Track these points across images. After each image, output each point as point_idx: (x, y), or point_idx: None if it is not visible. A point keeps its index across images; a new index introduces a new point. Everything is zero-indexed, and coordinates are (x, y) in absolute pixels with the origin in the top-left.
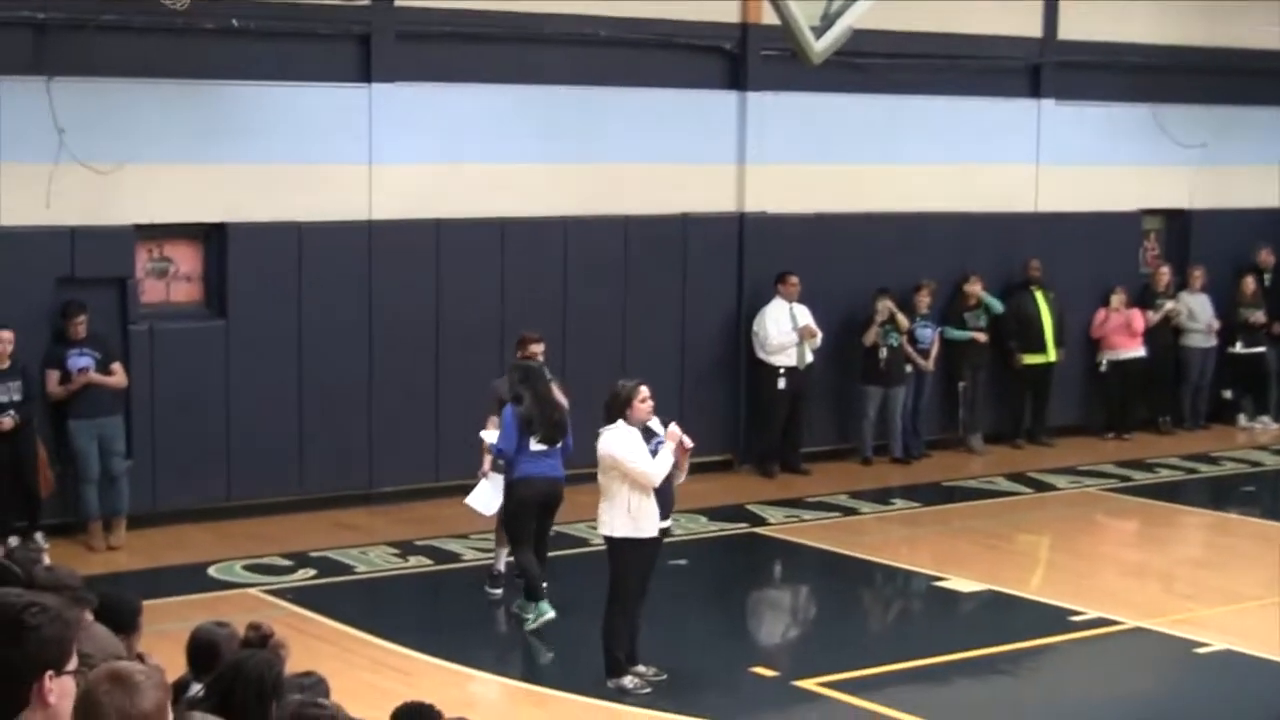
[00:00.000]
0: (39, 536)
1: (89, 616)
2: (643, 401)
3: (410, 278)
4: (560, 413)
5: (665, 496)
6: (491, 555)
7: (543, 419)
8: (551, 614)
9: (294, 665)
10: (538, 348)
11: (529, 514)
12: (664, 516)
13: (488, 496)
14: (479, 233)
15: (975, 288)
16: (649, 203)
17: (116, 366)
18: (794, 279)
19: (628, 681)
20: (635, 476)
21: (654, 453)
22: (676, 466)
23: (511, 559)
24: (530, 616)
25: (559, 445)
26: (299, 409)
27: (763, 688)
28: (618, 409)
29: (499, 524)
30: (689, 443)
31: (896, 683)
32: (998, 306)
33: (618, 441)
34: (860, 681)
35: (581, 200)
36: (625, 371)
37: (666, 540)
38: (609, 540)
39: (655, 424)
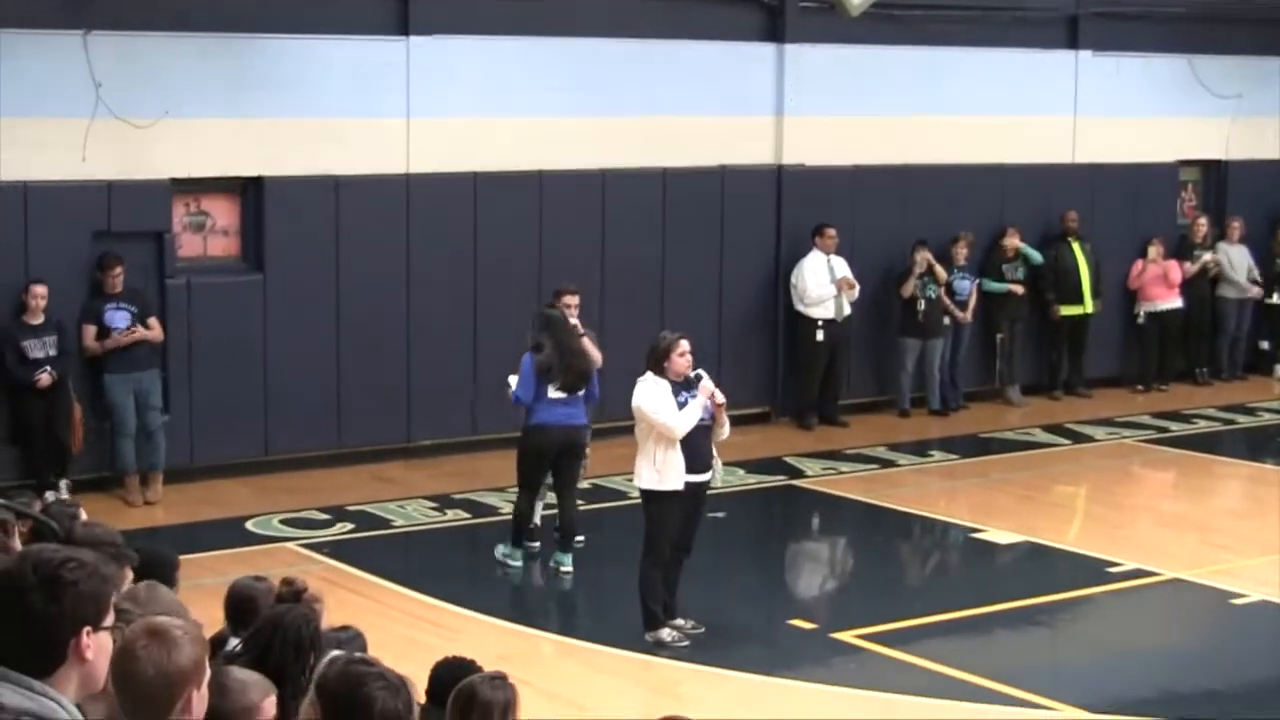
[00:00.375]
0: (64, 486)
1: (129, 574)
2: (681, 355)
3: (448, 231)
4: (581, 360)
5: (698, 450)
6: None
7: (562, 366)
8: (519, 564)
9: (331, 620)
10: (571, 299)
11: (543, 461)
12: (699, 470)
13: None
14: (517, 186)
15: (1013, 240)
16: (687, 155)
17: (153, 321)
18: (831, 231)
19: (665, 634)
20: (659, 429)
21: (683, 406)
22: (715, 422)
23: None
24: (502, 553)
25: (580, 394)
26: (336, 363)
27: (801, 640)
28: (655, 360)
29: None
30: (720, 397)
31: (934, 635)
32: (1037, 257)
33: (645, 393)
34: (898, 634)
35: (619, 153)
36: (663, 324)
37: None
38: (641, 492)
39: (705, 380)
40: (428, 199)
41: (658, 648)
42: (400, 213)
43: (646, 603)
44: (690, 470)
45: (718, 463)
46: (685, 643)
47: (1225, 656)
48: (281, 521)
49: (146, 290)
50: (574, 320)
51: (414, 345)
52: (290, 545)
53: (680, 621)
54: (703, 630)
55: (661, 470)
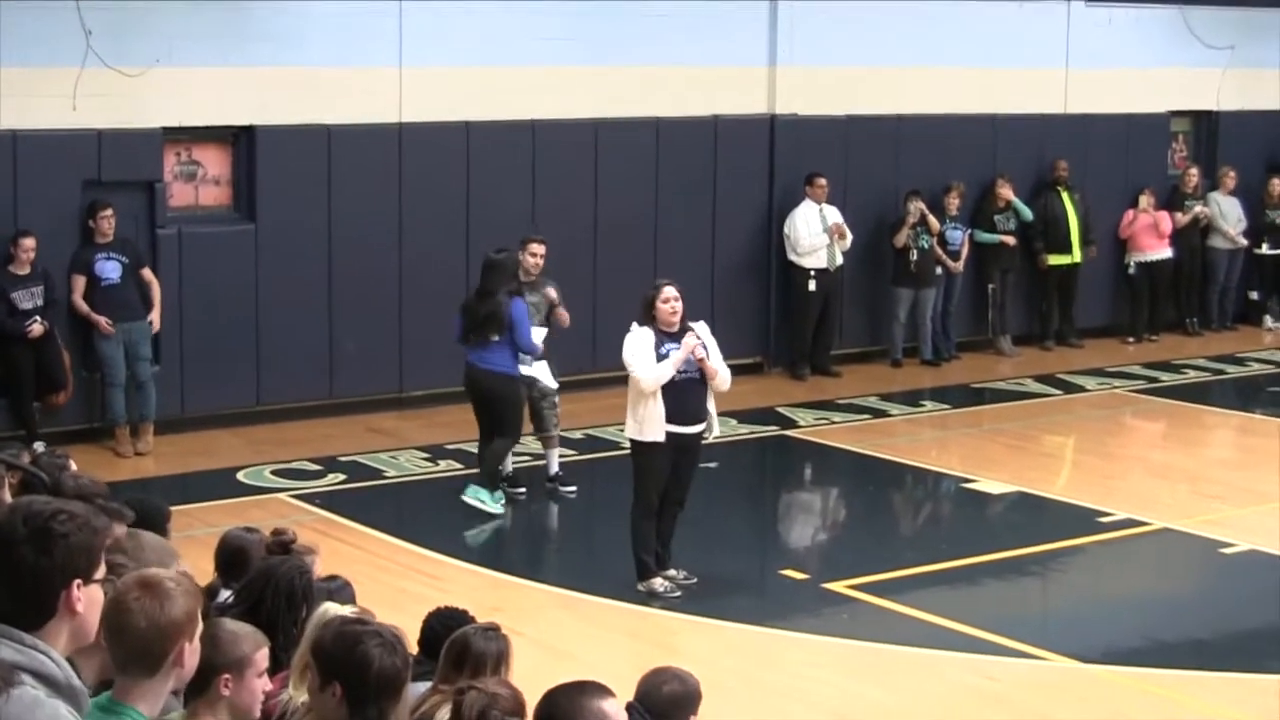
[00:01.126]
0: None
1: (123, 530)
2: (665, 303)
3: (440, 181)
4: (484, 307)
5: (685, 402)
6: (517, 459)
7: (465, 311)
8: (501, 509)
9: (324, 570)
10: (538, 248)
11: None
12: (686, 423)
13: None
14: (510, 135)
15: (1005, 190)
16: (680, 105)
17: (147, 273)
18: (822, 180)
19: (658, 584)
20: (632, 380)
21: (663, 357)
22: (706, 375)
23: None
24: (483, 498)
25: (492, 339)
26: (328, 313)
27: (793, 590)
28: (644, 310)
29: None
30: (700, 353)
31: (926, 585)
32: (1027, 213)
33: (628, 343)
34: (890, 584)
35: (612, 102)
36: (655, 274)
37: None
38: (630, 442)
39: (704, 332)
40: (420, 149)
41: (650, 598)
42: (393, 162)
43: (638, 553)
44: (675, 422)
45: (713, 416)
46: (677, 594)
47: (1215, 605)
48: (273, 473)
49: (137, 240)
50: (534, 274)
51: (406, 296)
52: (282, 496)
53: (673, 572)
54: (695, 581)
55: (642, 421)
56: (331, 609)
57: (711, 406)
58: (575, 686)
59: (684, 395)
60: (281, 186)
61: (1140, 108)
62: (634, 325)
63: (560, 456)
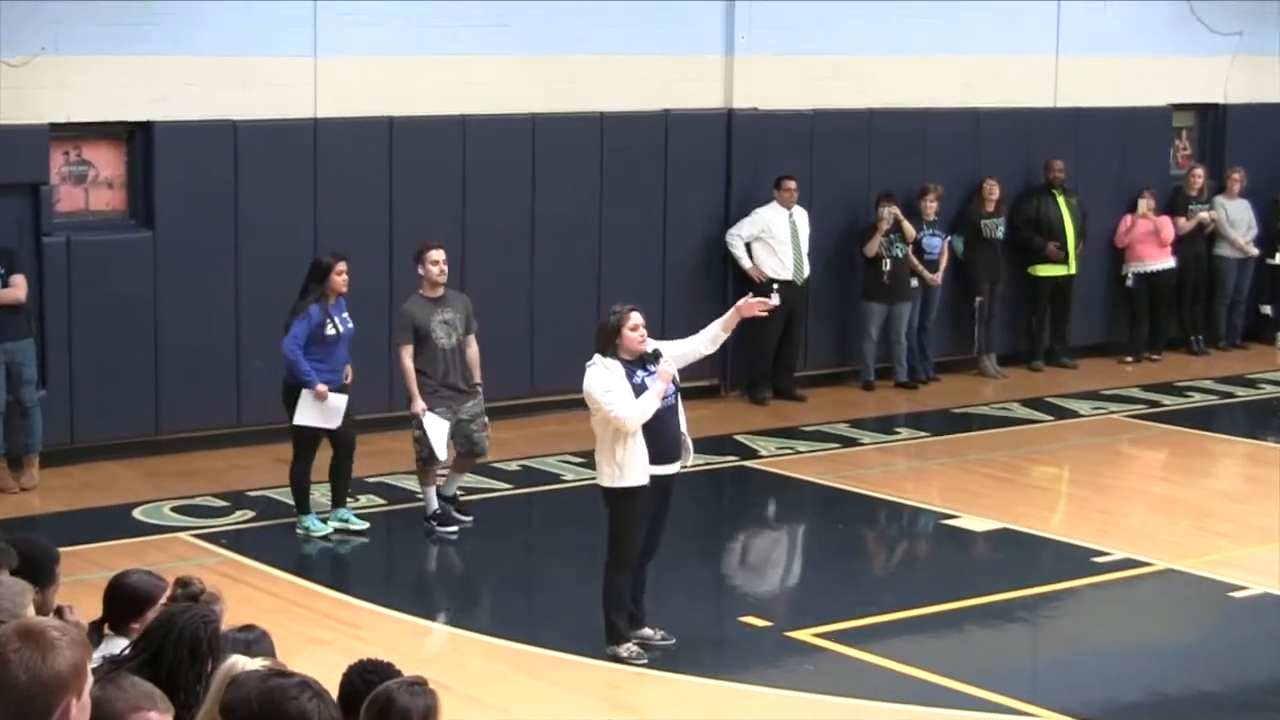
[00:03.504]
0: None
1: (5, 574)
2: (633, 330)
3: (360, 183)
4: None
5: (664, 436)
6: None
7: None
8: (317, 526)
9: (232, 620)
10: (438, 254)
11: None
12: (668, 460)
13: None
14: (437, 132)
15: (994, 193)
16: (626, 98)
17: (17, 279)
18: (792, 184)
19: (623, 651)
20: (613, 421)
21: (639, 389)
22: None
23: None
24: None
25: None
26: (235, 330)
27: (753, 639)
28: (605, 339)
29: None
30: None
31: (901, 632)
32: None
33: (594, 379)
34: (861, 631)
35: (551, 96)
36: (599, 287)
37: None
38: (602, 492)
39: (665, 360)
40: (337, 147)
41: (615, 662)
42: (307, 162)
43: (610, 614)
44: (657, 461)
45: (688, 440)
46: (644, 660)
47: (1223, 655)
48: (174, 509)
49: (19, 249)
50: (441, 283)
51: None
52: (183, 536)
53: (648, 632)
54: (673, 641)
55: (623, 465)
56: (240, 663)
57: (684, 428)
58: None
59: (663, 428)
60: (182, 189)
61: (1139, 100)
62: (596, 357)
63: (494, 492)
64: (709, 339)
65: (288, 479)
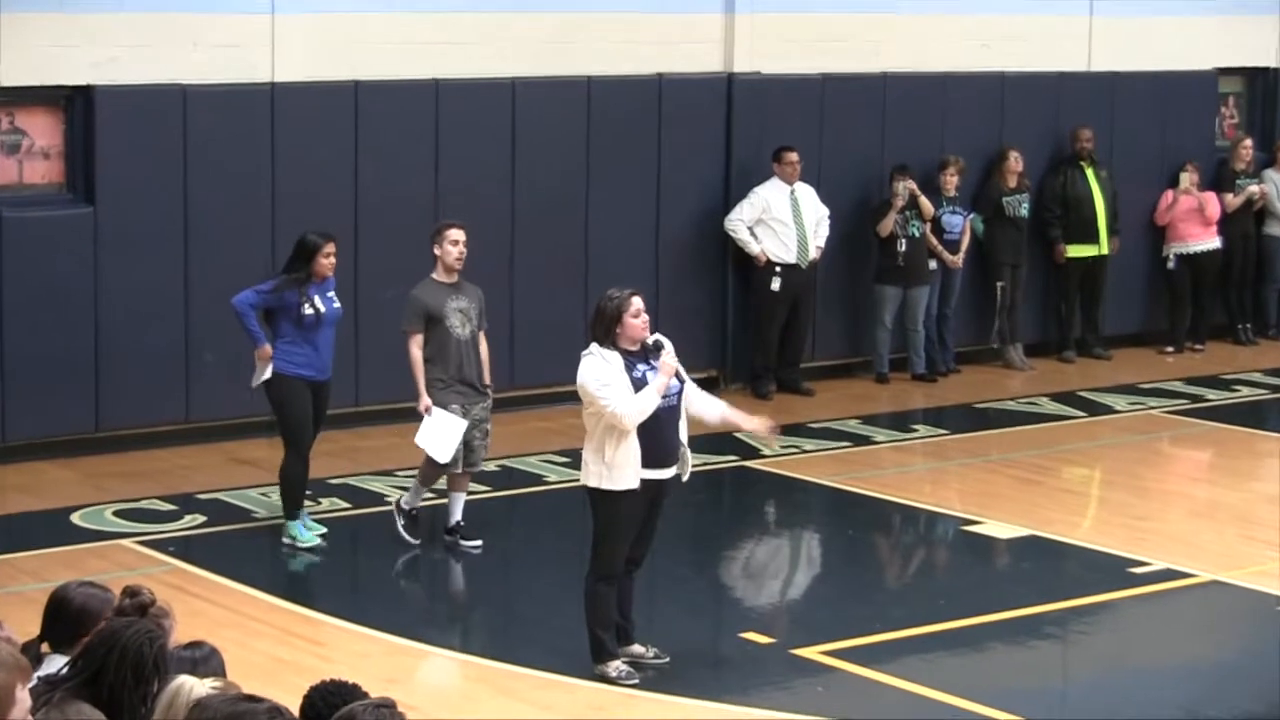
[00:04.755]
0: None
1: None
2: (634, 316)
3: (322, 153)
4: None
5: (662, 438)
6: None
7: None
8: (305, 536)
9: (181, 636)
10: (458, 234)
11: None
12: (662, 465)
13: (436, 436)
14: (407, 97)
15: (1017, 166)
16: (616, 61)
17: None
18: (794, 155)
19: (612, 670)
20: (608, 417)
21: (640, 382)
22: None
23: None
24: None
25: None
26: (184, 317)
27: (755, 657)
28: (603, 328)
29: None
30: (684, 375)
31: (917, 650)
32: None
33: (589, 370)
34: (873, 649)
35: (533, 58)
36: (586, 267)
37: None
38: (587, 492)
39: (668, 352)
40: (297, 113)
41: (602, 682)
42: (264, 130)
43: (593, 629)
44: (651, 464)
45: (687, 451)
46: (635, 680)
47: (1272, 676)
48: (116, 514)
49: None
50: (458, 269)
51: None
52: (126, 543)
53: (638, 649)
54: (667, 660)
55: (611, 465)
56: (188, 684)
57: (684, 438)
58: None
59: (662, 430)
60: (126, 160)
61: (1181, 64)
62: (593, 348)
63: (471, 495)
64: (718, 413)
65: (272, 479)
